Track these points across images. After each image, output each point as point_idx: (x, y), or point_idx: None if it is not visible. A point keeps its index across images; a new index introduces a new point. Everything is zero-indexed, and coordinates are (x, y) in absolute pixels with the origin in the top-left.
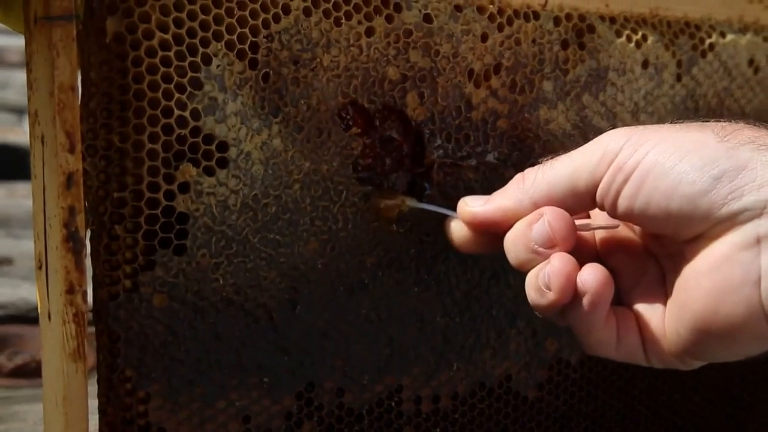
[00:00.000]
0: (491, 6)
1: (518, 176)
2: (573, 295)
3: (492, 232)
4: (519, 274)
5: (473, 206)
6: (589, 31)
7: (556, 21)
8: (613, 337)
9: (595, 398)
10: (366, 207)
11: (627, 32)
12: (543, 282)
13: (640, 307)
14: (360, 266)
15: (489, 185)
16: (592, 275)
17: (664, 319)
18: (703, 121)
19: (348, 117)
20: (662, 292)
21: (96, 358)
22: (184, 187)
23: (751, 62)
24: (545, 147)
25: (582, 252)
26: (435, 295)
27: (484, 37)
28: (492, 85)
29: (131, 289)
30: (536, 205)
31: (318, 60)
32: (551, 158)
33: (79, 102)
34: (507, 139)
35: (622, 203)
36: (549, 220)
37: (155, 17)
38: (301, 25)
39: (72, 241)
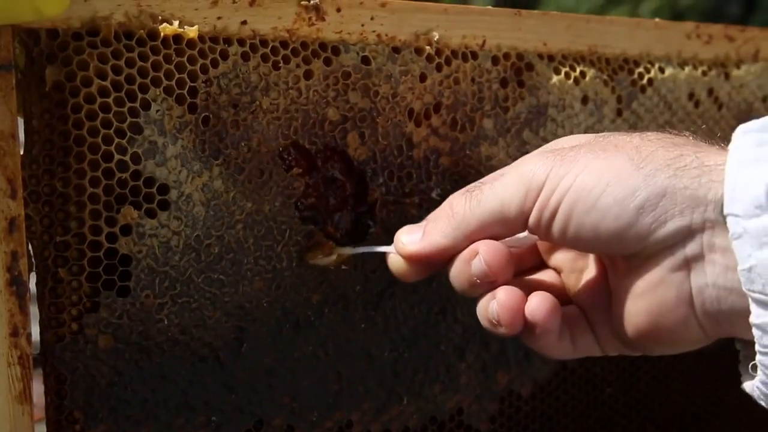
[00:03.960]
0: (429, 47)
1: (447, 207)
2: (524, 324)
3: (428, 264)
4: (467, 309)
5: (409, 245)
6: (528, 69)
7: (495, 60)
8: (569, 343)
9: (548, 430)
10: (309, 248)
11: (565, 69)
12: (493, 317)
13: (588, 305)
14: (306, 304)
15: None
16: (539, 308)
17: (611, 316)
18: (619, 134)
19: (289, 158)
20: (605, 287)
21: (44, 401)
22: (126, 230)
23: (691, 96)
24: None
25: (525, 256)
26: (382, 331)
27: (423, 77)
28: (433, 124)
29: (77, 331)
30: (470, 240)
31: (257, 103)
32: (476, 186)
33: (22, 149)
34: (449, 176)
35: (554, 234)
36: (485, 258)
37: (93, 65)
38: (240, 70)
39: (15, 284)
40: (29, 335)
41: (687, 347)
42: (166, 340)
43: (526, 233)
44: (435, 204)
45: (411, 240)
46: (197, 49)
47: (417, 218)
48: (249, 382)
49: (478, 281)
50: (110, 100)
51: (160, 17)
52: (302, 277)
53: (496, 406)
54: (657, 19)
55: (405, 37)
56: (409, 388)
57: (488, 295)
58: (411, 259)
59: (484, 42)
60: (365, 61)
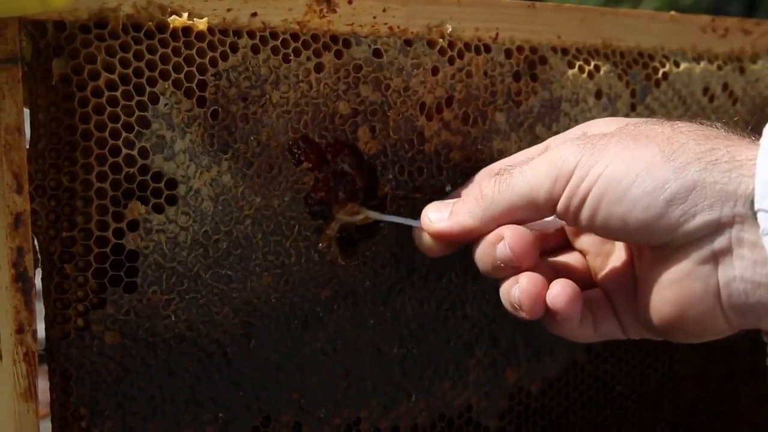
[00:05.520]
0: (441, 40)
1: (475, 188)
2: (545, 310)
3: (453, 242)
4: (476, 306)
5: (436, 223)
6: (541, 62)
7: (508, 53)
8: (591, 328)
9: (557, 427)
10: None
11: (579, 63)
12: (515, 301)
13: (613, 290)
14: (315, 300)
15: None
16: (560, 296)
17: (636, 301)
18: (651, 123)
19: (299, 152)
20: (631, 272)
21: (50, 397)
22: (134, 225)
23: (705, 90)
24: None
25: (551, 236)
26: (391, 327)
27: (435, 71)
28: (444, 118)
29: (83, 328)
30: (498, 222)
31: (267, 96)
32: (505, 169)
33: (28, 143)
34: (461, 171)
35: (582, 221)
36: (509, 243)
37: (101, 58)
38: (250, 62)
39: (21, 281)
40: (35, 332)
41: (711, 337)
42: (173, 336)
43: (553, 217)
44: (445, 198)
45: (438, 218)
46: (206, 41)
47: None
48: (257, 379)
49: (502, 265)
50: (118, 93)
51: (169, 9)
52: (311, 272)
53: (505, 402)
54: (672, 12)
55: (417, 29)
56: (417, 384)
57: (511, 279)
58: (437, 237)
59: (497, 35)
60: (377, 53)
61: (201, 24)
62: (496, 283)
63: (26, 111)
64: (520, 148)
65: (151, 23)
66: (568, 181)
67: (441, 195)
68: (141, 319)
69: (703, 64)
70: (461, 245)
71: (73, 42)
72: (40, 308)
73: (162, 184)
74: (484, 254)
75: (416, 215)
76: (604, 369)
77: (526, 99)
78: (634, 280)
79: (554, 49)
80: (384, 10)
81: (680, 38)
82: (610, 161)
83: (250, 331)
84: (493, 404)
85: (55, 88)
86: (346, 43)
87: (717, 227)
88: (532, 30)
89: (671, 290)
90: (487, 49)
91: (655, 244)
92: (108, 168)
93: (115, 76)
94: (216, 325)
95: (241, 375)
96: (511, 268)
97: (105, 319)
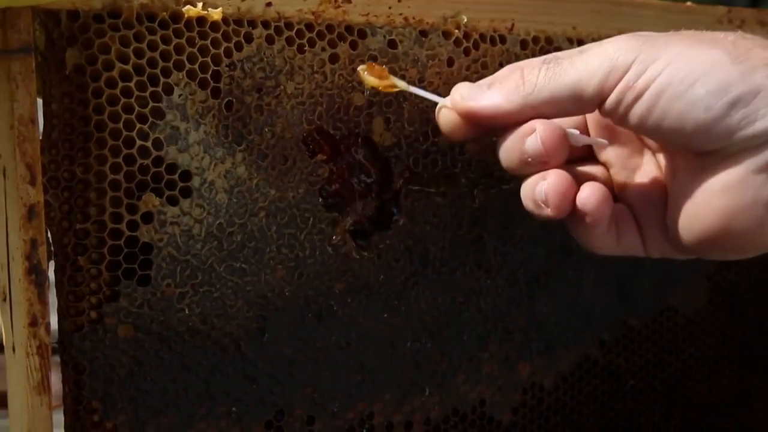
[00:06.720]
0: (457, 31)
1: (516, 74)
2: (572, 212)
3: (482, 124)
4: (490, 299)
5: (469, 101)
6: None
7: (523, 44)
8: (614, 238)
9: (570, 422)
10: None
11: None
12: (540, 197)
13: (639, 205)
14: (328, 293)
15: (457, 211)
16: (592, 197)
17: (666, 217)
18: (712, 32)
19: (313, 143)
20: (659, 187)
21: (62, 390)
22: (148, 217)
23: None
24: None
25: (575, 149)
26: (405, 321)
27: (450, 62)
28: None
29: (96, 321)
30: (536, 112)
31: (282, 87)
32: (553, 59)
33: (41, 134)
34: (475, 163)
35: (633, 119)
36: (541, 136)
37: (115, 48)
38: (264, 53)
39: (34, 273)
40: (48, 325)
41: (752, 252)
42: (186, 329)
43: (578, 132)
44: (460, 192)
45: (471, 96)
46: (221, 31)
47: (442, 206)
48: (270, 372)
49: (530, 160)
50: (132, 84)
51: None
52: (325, 265)
53: (518, 397)
54: (689, 3)
55: (433, 20)
56: (431, 378)
57: (536, 176)
58: (466, 116)
59: (513, 25)
60: (392, 44)
61: (216, 14)
62: (510, 277)
63: (39, 101)
64: None
65: (165, 13)
66: (623, 76)
67: (455, 187)
68: (155, 312)
69: None
70: (485, 131)
71: (87, 32)
72: (52, 300)
73: (176, 176)
74: (512, 146)
75: (431, 208)
76: (618, 363)
77: None
78: (662, 195)
79: (570, 40)
80: (399, 1)
81: (696, 29)
82: (672, 59)
83: (263, 324)
84: (507, 398)
85: (68, 79)
86: (361, 34)
87: None
88: (547, 21)
89: (719, 199)
90: (503, 40)
91: (707, 149)
92: (122, 159)
93: (129, 67)
94: (230, 318)
95: (254, 368)
96: (539, 164)
97: (118, 311)
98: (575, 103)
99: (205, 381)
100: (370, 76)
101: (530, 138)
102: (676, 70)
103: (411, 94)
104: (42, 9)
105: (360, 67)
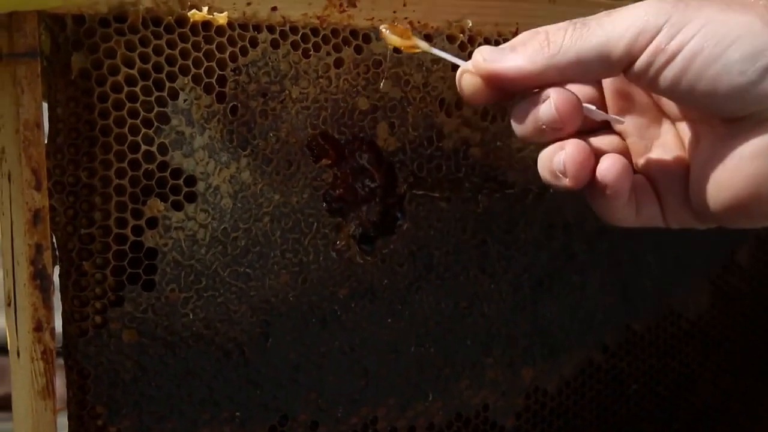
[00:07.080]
0: (461, 35)
1: (540, 36)
2: (590, 183)
3: (504, 87)
4: (494, 304)
5: (491, 63)
6: None
7: None
8: (633, 210)
9: (573, 427)
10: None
11: None
12: (558, 168)
13: (658, 175)
14: (332, 298)
15: (462, 216)
16: (612, 168)
17: (688, 187)
18: None
19: (318, 148)
20: (680, 156)
21: (66, 395)
22: (153, 222)
23: None
24: (518, 175)
25: (590, 120)
26: (409, 326)
27: (455, 66)
28: (464, 114)
29: (101, 325)
30: (561, 74)
31: (287, 92)
32: (580, 21)
33: (47, 138)
34: (480, 168)
35: (664, 83)
36: (556, 103)
37: (121, 52)
38: (269, 58)
39: (39, 278)
40: (53, 330)
41: None
42: (191, 334)
43: (595, 108)
44: (464, 197)
45: (494, 58)
46: (226, 36)
47: (446, 211)
48: (274, 378)
49: (544, 127)
50: (137, 89)
51: (189, 3)
52: (329, 270)
53: (522, 401)
54: None
55: (437, 24)
56: (434, 383)
57: (554, 146)
58: (488, 79)
59: (517, 29)
60: (397, 49)
61: (221, 18)
62: (514, 282)
63: (44, 105)
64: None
65: (170, 17)
66: (653, 38)
67: (459, 192)
68: (159, 317)
69: None
70: (507, 96)
71: (93, 36)
72: (57, 305)
73: (181, 181)
74: (525, 113)
75: (435, 213)
76: (621, 368)
77: None
78: (683, 165)
79: None
80: (404, 5)
81: None
82: (706, 23)
83: (267, 329)
84: (510, 403)
85: (74, 83)
86: (366, 38)
87: None
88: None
89: (750, 164)
90: None
91: (740, 114)
92: (127, 164)
93: (134, 72)
94: (234, 323)
95: (258, 373)
96: (553, 131)
97: (123, 317)
98: (602, 64)
99: (209, 386)
100: (392, 35)
101: (544, 104)
102: (710, 33)
103: (432, 55)
104: (48, 13)
105: (382, 26)
